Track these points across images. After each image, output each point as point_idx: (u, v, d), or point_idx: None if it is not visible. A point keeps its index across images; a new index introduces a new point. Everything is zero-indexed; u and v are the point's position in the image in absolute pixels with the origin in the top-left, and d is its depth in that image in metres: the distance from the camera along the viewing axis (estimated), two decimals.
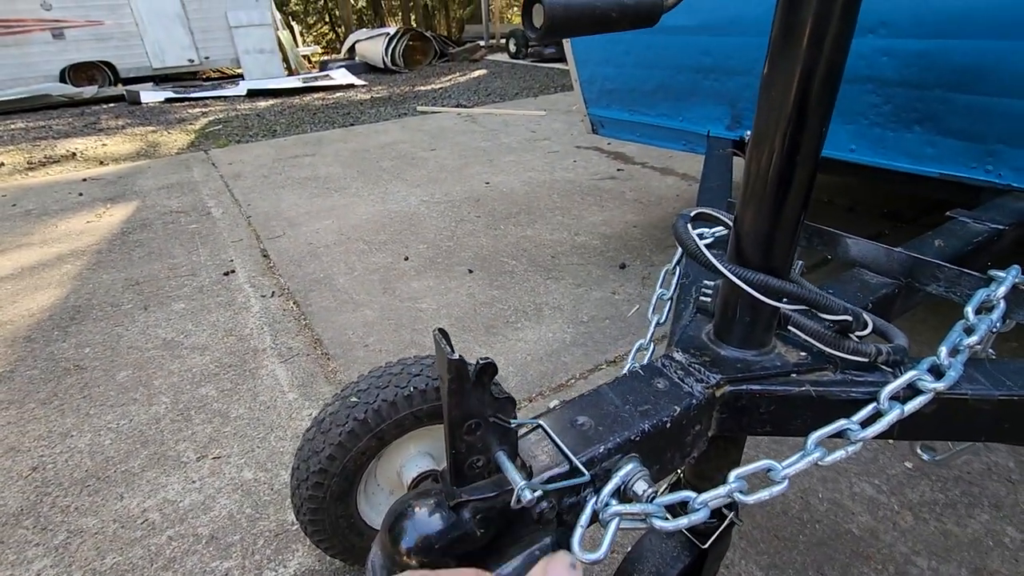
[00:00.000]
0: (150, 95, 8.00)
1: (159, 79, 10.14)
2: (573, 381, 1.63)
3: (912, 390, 0.61)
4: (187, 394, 1.66)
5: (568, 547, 0.54)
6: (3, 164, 4.64)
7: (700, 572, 0.85)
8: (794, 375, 0.66)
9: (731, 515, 0.82)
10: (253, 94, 8.01)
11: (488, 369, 0.47)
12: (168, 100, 7.81)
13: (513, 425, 0.53)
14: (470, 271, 2.33)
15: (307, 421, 1.52)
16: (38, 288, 2.39)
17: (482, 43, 12.54)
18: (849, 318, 0.63)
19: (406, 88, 7.96)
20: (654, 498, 0.56)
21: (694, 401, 0.63)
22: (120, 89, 8.68)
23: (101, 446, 1.48)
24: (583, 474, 0.54)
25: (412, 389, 0.92)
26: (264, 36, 10.19)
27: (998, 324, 0.76)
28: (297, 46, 13.15)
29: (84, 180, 4.05)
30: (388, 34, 9.94)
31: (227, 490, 1.32)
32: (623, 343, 1.79)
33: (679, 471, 0.87)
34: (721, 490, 0.56)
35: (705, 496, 0.56)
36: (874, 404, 0.60)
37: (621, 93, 2.05)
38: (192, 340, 1.94)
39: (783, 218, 0.60)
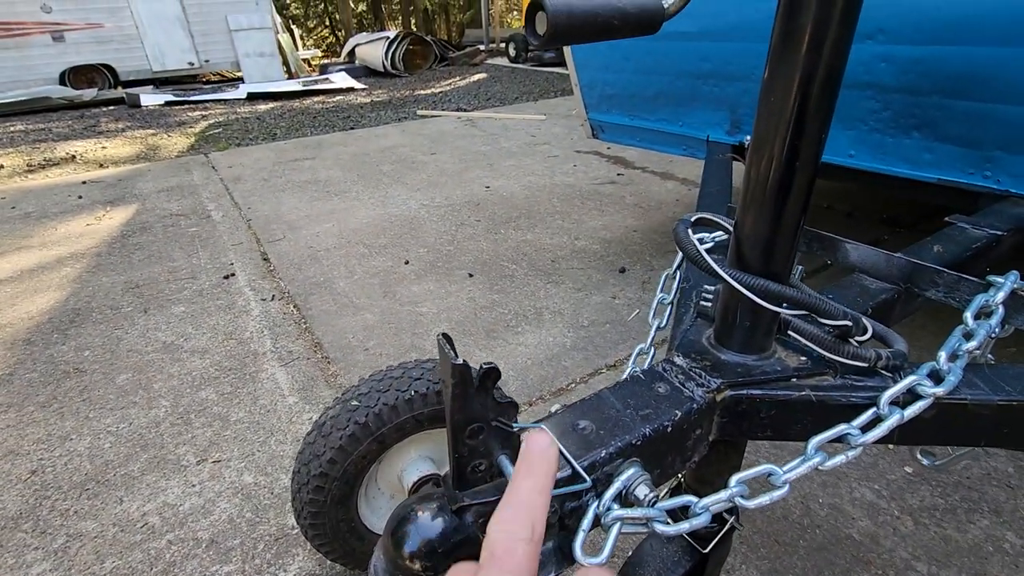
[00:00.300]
0: (150, 98, 8.02)
1: (159, 82, 10.17)
2: (573, 385, 1.64)
3: (912, 395, 0.61)
4: (187, 397, 1.66)
5: (570, 551, 0.54)
6: (3, 166, 4.64)
7: None
8: (794, 380, 0.66)
9: (732, 520, 0.82)
10: (253, 97, 8.02)
11: (491, 374, 0.47)
12: (168, 103, 7.82)
13: (515, 429, 0.53)
14: (470, 275, 2.33)
15: (307, 425, 1.52)
16: (37, 291, 2.39)
17: (482, 47, 12.58)
18: (849, 323, 0.63)
19: (406, 92, 7.98)
20: (655, 502, 0.56)
21: (695, 405, 0.63)
22: (120, 92, 8.70)
23: (100, 449, 1.47)
24: (584, 479, 0.54)
25: (413, 393, 0.92)
26: (264, 39, 10.23)
27: (997, 329, 0.76)
28: (297, 49, 13.18)
29: (84, 183, 4.06)
30: (388, 38, 9.98)
31: (227, 494, 1.32)
32: (623, 347, 1.79)
33: (680, 475, 0.87)
34: (722, 494, 0.57)
35: (706, 500, 0.56)
36: (874, 409, 0.60)
37: (621, 98, 2.06)
38: (192, 343, 1.94)
39: (783, 223, 0.61)
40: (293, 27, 17.42)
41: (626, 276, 2.25)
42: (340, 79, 9.15)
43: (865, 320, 0.66)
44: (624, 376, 0.71)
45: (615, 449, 0.58)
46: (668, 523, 0.55)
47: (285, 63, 10.78)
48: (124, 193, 3.76)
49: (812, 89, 0.54)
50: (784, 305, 0.63)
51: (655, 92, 1.89)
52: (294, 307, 2.16)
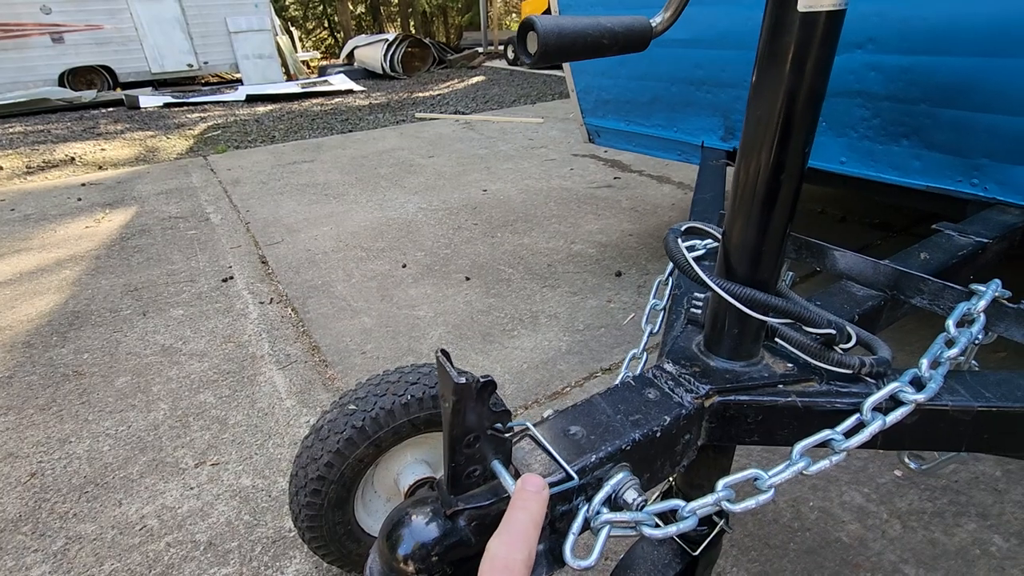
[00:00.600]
0: (149, 100, 8.03)
1: (158, 84, 10.18)
2: (569, 389, 1.65)
3: (894, 401, 0.63)
4: (185, 400, 1.67)
5: (560, 554, 0.56)
6: (2, 168, 4.65)
7: None
8: (781, 386, 0.68)
9: (721, 523, 0.83)
10: (252, 99, 8.04)
11: (488, 387, 0.49)
12: (167, 105, 7.83)
13: (508, 435, 0.55)
14: (467, 279, 2.34)
15: (305, 428, 1.54)
16: (37, 293, 2.40)
17: (480, 50, 12.62)
18: (833, 331, 0.65)
19: (404, 94, 8.00)
20: (644, 506, 0.57)
21: (683, 411, 0.64)
22: (119, 93, 8.70)
23: (100, 452, 1.49)
24: (574, 480, 0.55)
25: (409, 397, 0.93)
26: (263, 41, 10.25)
27: (980, 336, 0.78)
28: (296, 51, 13.20)
29: (83, 185, 4.07)
30: (387, 40, 10.00)
31: (225, 497, 1.33)
32: (618, 351, 1.81)
33: (671, 479, 0.89)
34: (709, 499, 0.58)
35: (693, 504, 0.58)
36: (857, 415, 0.62)
37: (617, 103, 2.08)
38: (191, 346, 1.95)
39: (769, 233, 0.62)
40: (292, 29, 17.44)
41: (622, 280, 2.27)
42: (339, 81, 9.17)
43: (850, 327, 0.68)
44: (617, 381, 0.73)
45: (605, 454, 0.59)
46: (656, 526, 0.56)
47: (284, 65, 10.79)
48: (123, 195, 3.77)
49: (796, 105, 0.55)
50: (770, 314, 0.65)
51: (650, 98, 1.91)
52: (292, 310, 2.17)
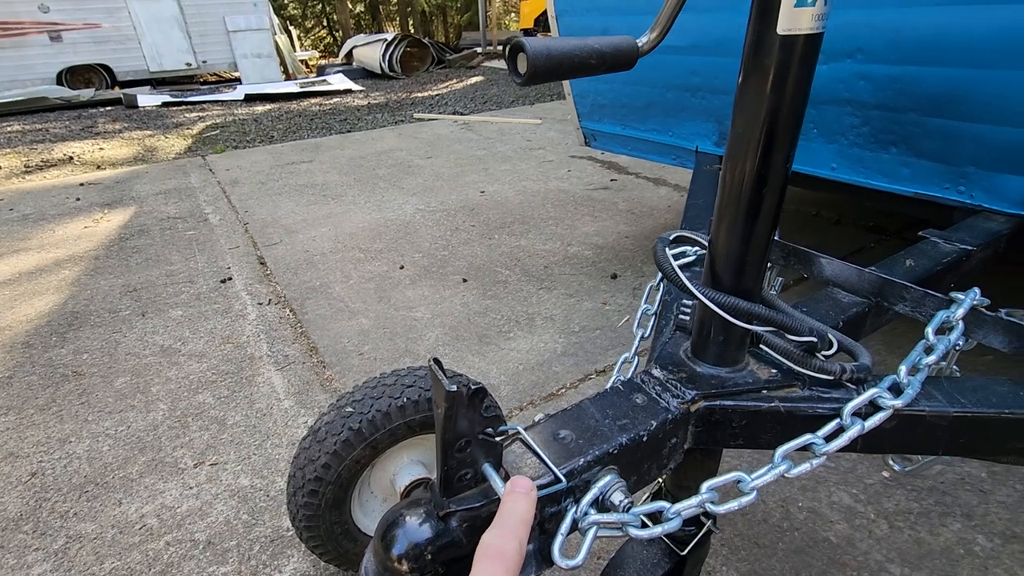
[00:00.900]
0: (147, 99, 8.03)
1: (156, 82, 10.17)
2: (563, 391, 1.67)
3: (873, 407, 0.65)
4: (184, 401, 1.69)
5: (549, 554, 0.58)
6: (0, 168, 4.65)
7: None
8: (764, 391, 0.70)
9: (709, 523, 0.86)
10: (250, 99, 8.04)
11: (479, 394, 0.51)
12: (165, 104, 7.83)
13: (498, 439, 0.57)
14: (464, 280, 2.36)
15: (303, 428, 1.55)
16: (36, 294, 2.41)
17: (479, 50, 12.63)
18: (814, 339, 0.67)
19: (403, 94, 8.01)
20: (630, 508, 0.59)
21: (670, 416, 0.67)
22: (117, 92, 8.70)
23: (99, 452, 1.50)
24: (562, 483, 0.57)
25: (405, 400, 0.95)
26: (262, 40, 10.25)
27: (960, 343, 0.80)
28: (295, 51, 13.20)
29: (81, 185, 4.08)
30: (386, 40, 10.01)
31: (224, 496, 1.35)
32: (613, 353, 1.83)
33: (660, 481, 0.91)
34: (693, 500, 0.60)
35: (678, 506, 0.60)
36: (837, 420, 0.64)
37: (613, 108, 2.10)
38: (189, 347, 1.96)
39: (753, 243, 0.64)
40: (291, 28, 17.43)
41: (617, 282, 2.29)
42: (337, 81, 9.17)
43: (831, 335, 0.70)
44: (608, 386, 0.75)
45: (593, 457, 0.62)
46: (642, 527, 0.59)
47: (283, 64, 10.80)
48: (122, 195, 3.78)
49: (777, 120, 0.57)
50: (753, 322, 0.67)
51: (645, 103, 1.93)
52: (290, 311, 2.19)
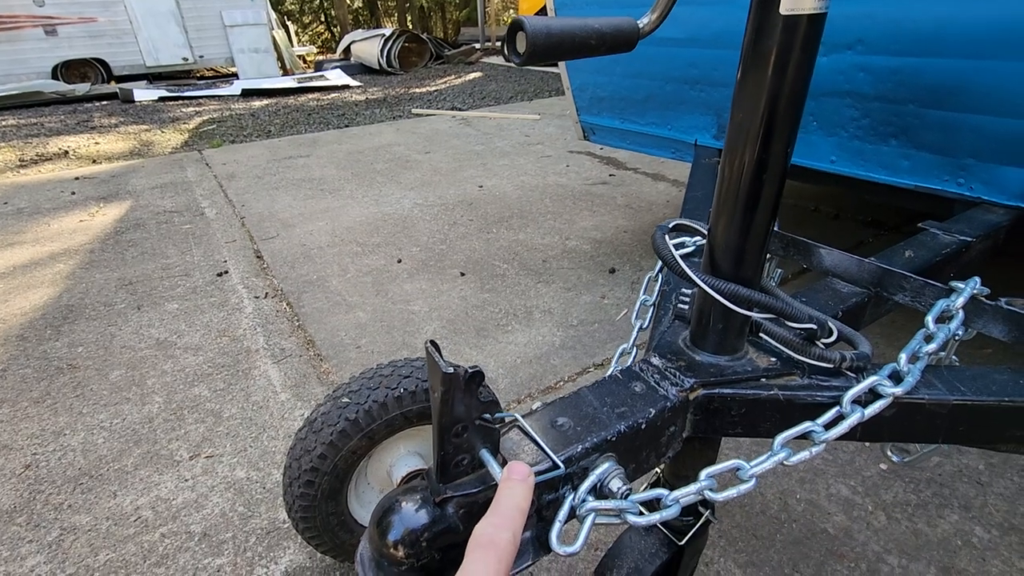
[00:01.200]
0: (143, 93, 7.98)
1: (153, 77, 10.11)
2: (561, 384, 1.67)
3: (873, 395, 0.64)
4: (180, 394, 1.68)
5: (547, 541, 0.57)
6: None
7: (677, 568, 0.88)
8: (764, 380, 0.69)
9: (707, 513, 0.85)
10: (248, 94, 8.00)
11: (476, 377, 0.50)
12: (162, 98, 7.79)
13: (496, 425, 0.56)
14: (462, 274, 2.36)
15: (299, 421, 1.55)
16: (31, 287, 2.40)
17: (478, 45, 12.58)
18: (814, 326, 0.66)
19: (401, 90, 7.98)
20: (628, 495, 0.59)
21: (668, 404, 0.66)
22: (113, 87, 8.65)
23: (94, 444, 1.49)
24: (560, 470, 0.57)
25: (402, 391, 0.95)
26: (259, 35, 10.19)
27: (960, 332, 0.80)
28: (292, 46, 13.14)
29: (77, 179, 4.05)
30: (384, 35, 9.97)
31: (220, 488, 1.34)
32: (611, 346, 1.83)
33: (658, 470, 0.91)
34: (691, 487, 0.60)
35: (676, 493, 0.60)
36: (837, 408, 0.64)
37: (611, 101, 2.09)
38: (185, 340, 1.95)
39: (753, 231, 0.64)
40: (288, 23, 17.35)
41: (616, 276, 2.29)
42: (335, 76, 9.13)
43: (831, 323, 0.70)
44: (605, 375, 0.74)
45: (591, 444, 0.61)
46: (640, 514, 0.58)
47: (280, 59, 10.74)
48: (117, 189, 3.75)
49: (778, 106, 0.57)
50: (753, 309, 0.67)
51: (644, 96, 1.92)
52: (287, 305, 2.18)
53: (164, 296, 2.27)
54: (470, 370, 0.50)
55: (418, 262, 2.49)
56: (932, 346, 0.69)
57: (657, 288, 1.00)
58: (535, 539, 0.59)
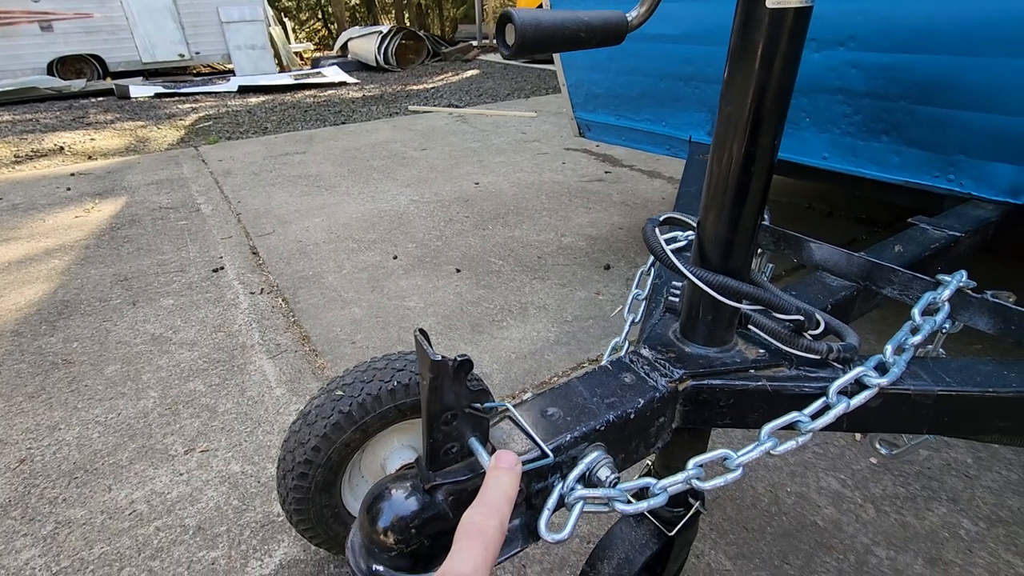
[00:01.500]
0: (139, 89, 7.95)
1: (149, 73, 10.07)
2: (556, 379, 1.68)
3: (859, 385, 0.65)
4: (175, 389, 1.68)
5: (535, 529, 0.58)
6: None
7: (667, 559, 0.89)
8: (752, 371, 0.70)
9: (697, 504, 0.86)
10: (244, 90, 7.98)
11: (465, 365, 0.51)
12: (158, 95, 7.76)
13: (485, 413, 0.57)
14: (458, 270, 2.36)
15: (294, 416, 1.55)
16: (25, 282, 2.39)
17: (475, 43, 12.56)
18: (801, 318, 0.67)
19: (398, 87, 7.97)
20: (617, 483, 0.60)
21: (657, 394, 0.67)
22: (109, 83, 8.62)
23: (89, 439, 1.50)
24: (549, 459, 0.57)
25: (396, 384, 0.95)
26: (256, 32, 10.15)
27: (947, 325, 0.81)
28: (289, 42, 13.10)
29: (72, 175, 4.04)
30: (381, 32, 9.94)
31: (214, 482, 1.34)
32: (605, 342, 1.84)
33: (649, 462, 0.92)
34: (679, 476, 0.61)
35: (664, 482, 0.61)
36: (824, 398, 0.65)
37: (606, 98, 2.10)
38: (181, 336, 1.95)
39: (741, 223, 0.64)
40: (285, 20, 17.29)
41: (611, 273, 2.30)
42: (332, 73, 9.11)
43: (818, 315, 0.70)
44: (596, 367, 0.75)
45: (580, 433, 0.62)
46: (628, 502, 0.59)
47: (277, 56, 10.70)
48: (113, 185, 3.74)
49: (765, 99, 0.57)
50: (742, 301, 0.68)
51: (639, 92, 1.93)
52: (283, 300, 2.18)
53: (159, 292, 2.27)
54: (459, 359, 0.50)
55: (414, 258, 2.49)
56: (918, 337, 0.69)
57: (649, 282, 1.01)
58: (524, 527, 0.59)
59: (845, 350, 0.69)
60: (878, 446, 0.97)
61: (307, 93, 7.72)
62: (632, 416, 0.65)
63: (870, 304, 0.93)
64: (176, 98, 7.60)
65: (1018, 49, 1.03)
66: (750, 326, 0.74)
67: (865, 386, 0.65)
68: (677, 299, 0.83)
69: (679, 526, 0.85)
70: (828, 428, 0.65)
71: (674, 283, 0.87)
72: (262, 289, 2.28)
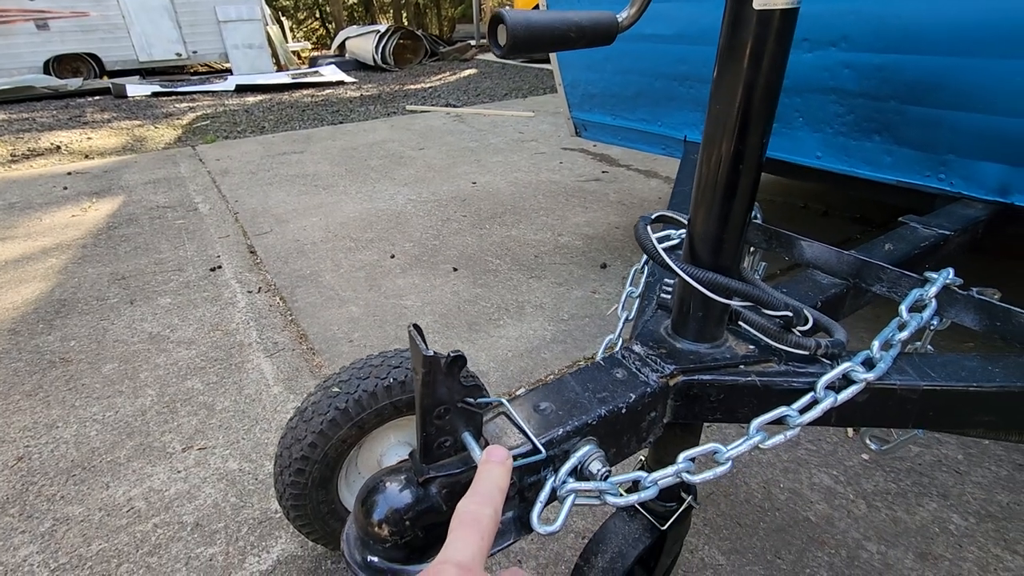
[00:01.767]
0: (136, 88, 7.94)
1: (146, 72, 10.05)
2: (551, 377, 1.69)
3: (846, 380, 0.66)
4: (173, 387, 1.69)
5: (528, 521, 0.59)
6: None
7: (660, 553, 0.90)
8: (742, 366, 0.71)
9: (689, 498, 0.87)
10: (241, 89, 7.97)
11: (458, 361, 0.52)
12: (155, 94, 7.75)
13: (479, 408, 0.58)
14: (455, 269, 2.37)
15: (292, 414, 1.56)
16: (22, 281, 2.39)
17: (473, 42, 12.55)
18: (790, 314, 0.68)
19: (396, 86, 7.97)
20: (608, 477, 0.61)
21: (648, 389, 0.68)
22: (106, 82, 8.60)
23: (87, 437, 1.50)
24: (541, 451, 0.58)
25: (392, 381, 0.96)
26: (253, 31, 10.14)
27: (935, 322, 0.82)
28: (287, 42, 13.08)
29: (69, 174, 4.03)
30: (379, 31, 9.94)
31: (212, 480, 1.35)
32: (601, 340, 1.84)
33: (642, 457, 0.93)
34: (669, 469, 0.62)
35: (655, 475, 0.62)
36: (812, 393, 0.66)
37: (603, 97, 2.11)
38: (178, 334, 1.96)
39: (730, 221, 0.65)
40: (283, 19, 17.26)
41: (607, 272, 2.31)
42: (330, 72, 9.11)
43: (807, 311, 0.72)
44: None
45: (572, 428, 0.63)
46: (619, 495, 0.60)
47: (274, 55, 10.69)
48: (110, 184, 3.74)
49: (753, 99, 0.58)
50: (732, 298, 0.69)
51: (635, 92, 1.94)
52: (280, 299, 2.19)
53: (157, 291, 2.27)
54: (451, 354, 0.51)
55: (411, 257, 2.50)
56: (904, 333, 0.71)
57: (643, 280, 1.02)
58: (517, 519, 0.60)
59: (833, 346, 0.70)
60: (868, 442, 0.98)
61: (305, 92, 7.71)
62: (623, 411, 0.66)
63: (860, 301, 0.94)
64: (173, 97, 7.59)
65: (1006, 50, 1.04)
66: (740, 322, 0.75)
67: (852, 381, 0.66)
68: (669, 296, 0.84)
69: (671, 520, 0.86)
70: (816, 422, 0.66)
71: (666, 280, 0.88)
72: (260, 288, 2.28)
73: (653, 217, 0.78)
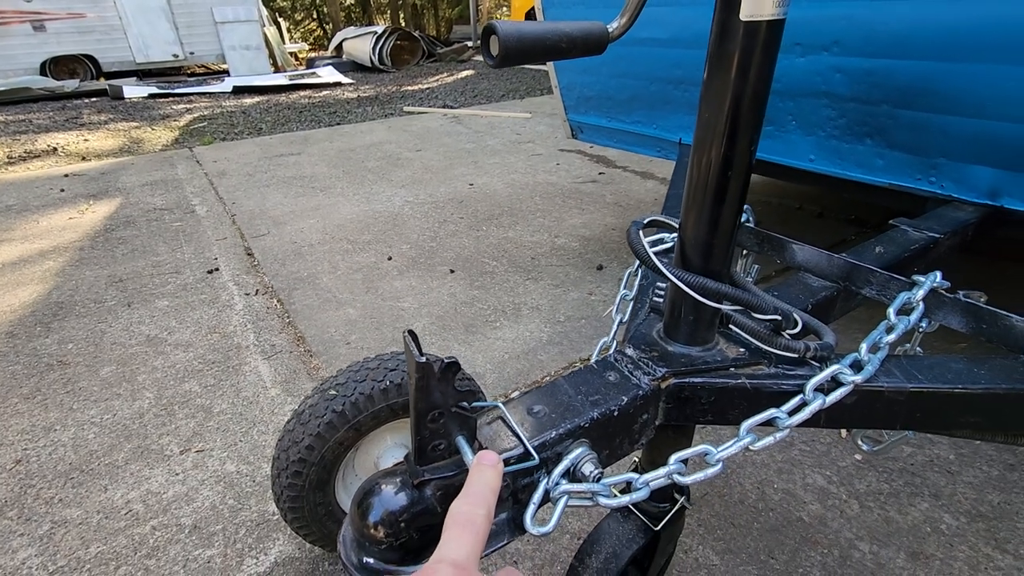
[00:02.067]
0: (133, 90, 7.93)
1: (142, 74, 10.04)
2: (548, 378, 1.70)
3: (835, 382, 0.68)
4: (171, 389, 1.69)
5: (521, 523, 0.60)
6: None
7: (654, 553, 0.91)
8: (732, 369, 0.72)
9: (682, 499, 0.88)
10: (239, 91, 7.97)
11: (452, 367, 0.53)
12: (152, 95, 7.74)
13: (474, 412, 0.59)
14: (452, 271, 2.38)
15: (289, 416, 1.56)
16: (19, 284, 2.40)
17: (470, 43, 12.57)
18: (779, 317, 0.69)
19: (393, 88, 7.98)
20: (600, 478, 0.62)
21: (640, 392, 0.69)
22: (103, 83, 8.58)
23: (84, 440, 1.51)
24: (534, 457, 0.59)
25: (388, 383, 0.97)
26: (250, 32, 10.13)
27: (924, 324, 0.83)
28: (284, 43, 13.08)
29: (66, 176, 4.03)
30: (376, 33, 9.94)
31: (210, 482, 1.36)
32: (598, 342, 1.85)
33: (636, 459, 0.94)
34: (661, 471, 0.63)
35: (646, 476, 0.63)
36: (801, 395, 0.67)
37: (598, 100, 2.12)
38: (176, 337, 1.97)
39: (720, 225, 0.66)
40: (280, 20, 17.25)
41: (603, 273, 2.32)
42: (327, 73, 9.11)
43: (796, 314, 0.73)
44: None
45: (565, 431, 0.64)
46: (612, 497, 0.61)
47: (271, 56, 10.69)
48: (107, 186, 3.74)
49: (741, 106, 0.59)
50: (722, 302, 0.70)
51: (630, 95, 1.95)
52: (277, 301, 2.20)
53: (154, 293, 2.28)
54: (446, 360, 0.52)
55: (408, 259, 2.51)
56: (892, 336, 0.72)
57: (636, 283, 1.03)
58: (510, 521, 0.61)
59: (822, 349, 0.71)
60: (860, 443, 1.00)
61: (302, 94, 7.71)
62: (616, 413, 0.67)
63: (851, 304, 0.96)
64: (170, 99, 7.59)
65: (995, 55, 1.05)
66: (731, 326, 0.76)
67: (841, 383, 0.67)
68: (661, 300, 0.85)
69: (664, 521, 0.87)
70: (805, 424, 0.68)
71: (659, 284, 0.89)
72: (257, 290, 2.29)
73: (646, 222, 0.79)
